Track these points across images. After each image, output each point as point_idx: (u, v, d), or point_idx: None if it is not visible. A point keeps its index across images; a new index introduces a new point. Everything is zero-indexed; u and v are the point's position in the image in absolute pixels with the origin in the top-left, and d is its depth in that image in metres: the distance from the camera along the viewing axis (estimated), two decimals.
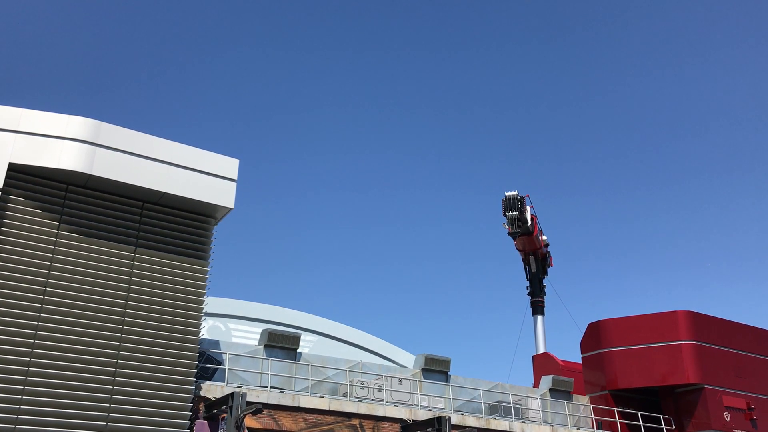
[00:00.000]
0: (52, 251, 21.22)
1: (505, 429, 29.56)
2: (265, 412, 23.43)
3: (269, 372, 25.97)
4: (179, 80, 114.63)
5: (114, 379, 20.92)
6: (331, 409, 25.50)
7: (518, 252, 50.47)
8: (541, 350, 47.96)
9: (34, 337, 20.14)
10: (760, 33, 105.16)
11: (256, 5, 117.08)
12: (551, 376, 35.44)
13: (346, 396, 27.47)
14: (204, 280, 23.60)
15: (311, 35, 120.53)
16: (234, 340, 35.31)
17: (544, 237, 50.68)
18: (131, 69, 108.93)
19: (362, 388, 28.45)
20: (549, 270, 51.80)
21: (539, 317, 50.31)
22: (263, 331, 27.84)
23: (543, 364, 42.01)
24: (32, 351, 19.99)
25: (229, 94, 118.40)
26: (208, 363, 25.03)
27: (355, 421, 25.93)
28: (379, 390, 28.66)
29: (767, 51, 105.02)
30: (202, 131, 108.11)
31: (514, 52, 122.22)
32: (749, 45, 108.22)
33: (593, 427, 34.23)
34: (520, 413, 32.46)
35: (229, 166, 24.43)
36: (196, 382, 22.97)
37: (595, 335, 37.41)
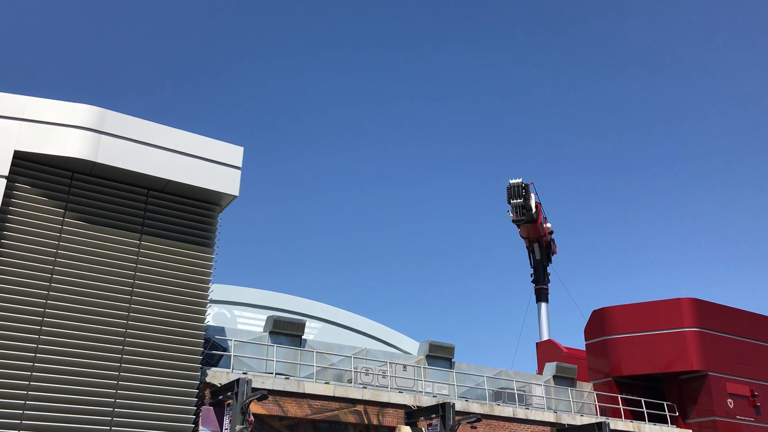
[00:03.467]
0: (58, 239, 21.31)
1: (508, 415, 29.64)
2: (270, 398, 23.55)
3: (274, 358, 26.08)
4: (185, 74, 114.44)
5: (120, 366, 21.07)
6: (336, 395, 25.60)
7: (522, 239, 50.53)
8: (545, 337, 48.10)
9: (41, 324, 20.28)
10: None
11: (260, 6, 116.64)
12: (555, 362, 35.53)
13: (350, 382, 27.59)
14: (209, 267, 23.69)
15: (314, 34, 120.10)
16: (239, 326, 35.36)
17: (549, 224, 50.71)
18: (136, 61, 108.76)
19: (367, 374, 28.58)
20: (553, 257, 51.88)
21: (543, 304, 50.45)
22: (268, 317, 27.94)
23: (547, 350, 42.15)
24: (39, 338, 20.13)
25: (235, 88, 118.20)
26: (213, 350, 25.16)
27: (360, 407, 26.06)
28: (384, 376, 28.79)
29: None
30: (208, 124, 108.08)
31: (518, 44, 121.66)
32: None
33: (597, 414, 34.33)
34: (523, 400, 32.58)
35: (234, 153, 24.44)
36: (201, 368, 23.11)
37: (599, 322, 37.45)
